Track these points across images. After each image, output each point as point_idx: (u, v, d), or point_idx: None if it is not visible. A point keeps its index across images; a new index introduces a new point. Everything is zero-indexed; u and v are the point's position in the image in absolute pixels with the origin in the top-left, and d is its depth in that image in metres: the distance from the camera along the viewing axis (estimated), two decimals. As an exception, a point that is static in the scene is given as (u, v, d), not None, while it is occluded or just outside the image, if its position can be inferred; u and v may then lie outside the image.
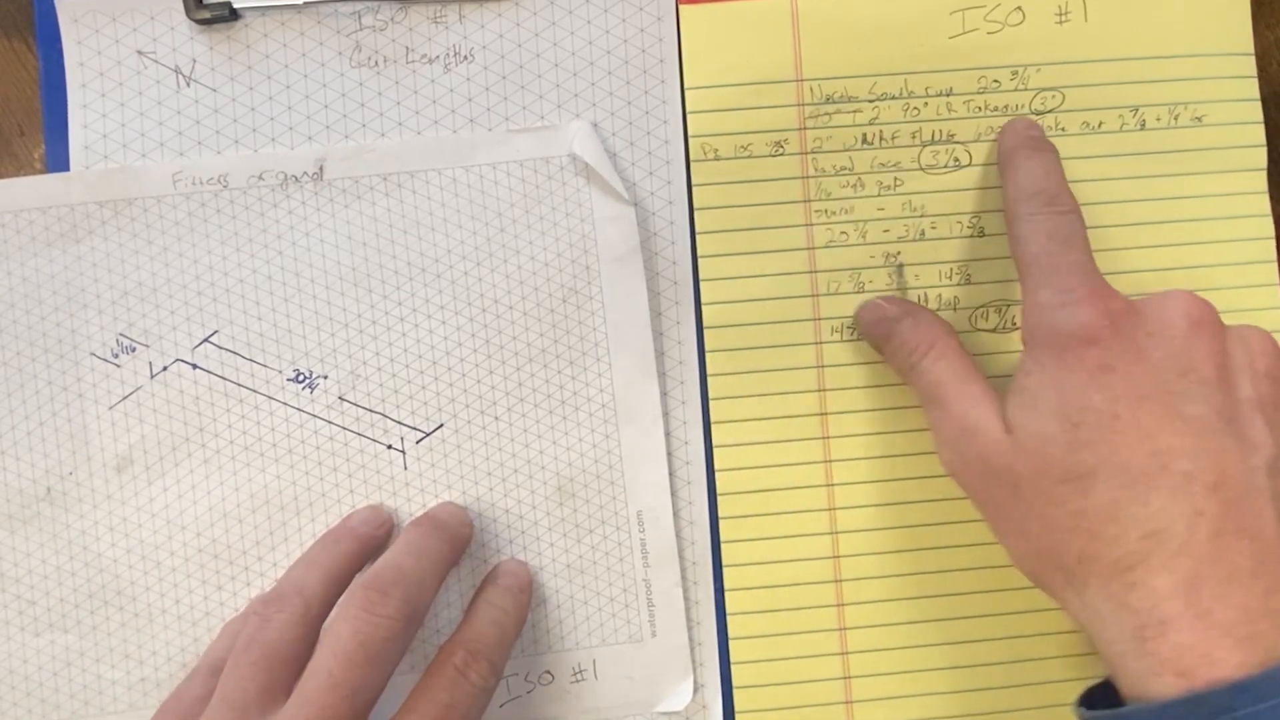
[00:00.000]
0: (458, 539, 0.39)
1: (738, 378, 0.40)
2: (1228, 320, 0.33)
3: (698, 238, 0.41)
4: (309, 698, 0.32)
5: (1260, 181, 0.41)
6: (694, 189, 0.40)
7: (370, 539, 0.39)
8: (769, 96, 0.40)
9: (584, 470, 0.40)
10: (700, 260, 0.41)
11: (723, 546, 0.40)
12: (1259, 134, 0.41)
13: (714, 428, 0.41)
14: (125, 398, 0.40)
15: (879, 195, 0.41)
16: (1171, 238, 0.41)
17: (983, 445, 0.34)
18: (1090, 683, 0.34)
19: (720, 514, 0.40)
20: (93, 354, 0.40)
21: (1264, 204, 0.41)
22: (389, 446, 0.40)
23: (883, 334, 0.39)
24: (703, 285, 0.41)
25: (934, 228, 0.41)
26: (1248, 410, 0.32)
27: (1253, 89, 0.41)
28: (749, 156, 0.40)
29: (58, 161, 0.40)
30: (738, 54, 0.40)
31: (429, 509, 0.40)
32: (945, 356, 0.37)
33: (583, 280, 0.40)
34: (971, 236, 0.41)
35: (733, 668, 0.40)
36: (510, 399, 0.40)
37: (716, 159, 0.40)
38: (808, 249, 0.41)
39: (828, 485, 0.40)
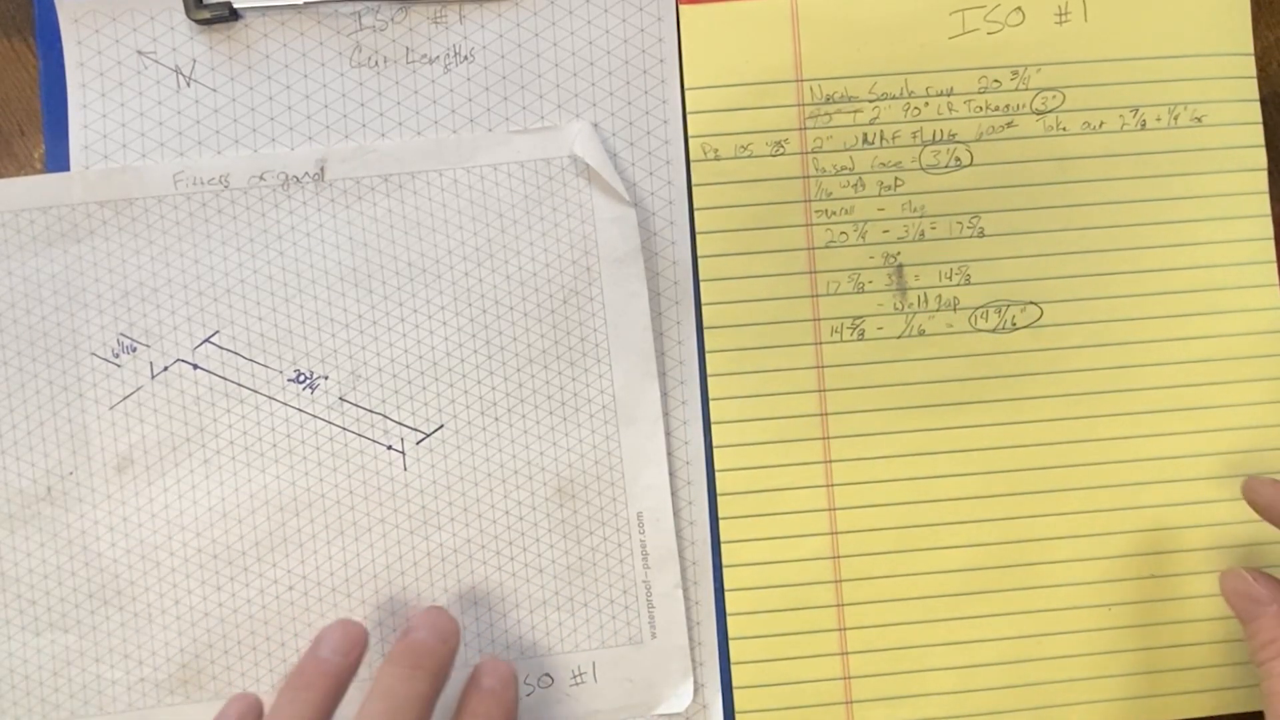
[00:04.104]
0: (440, 669, 0.36)
1: (738, 378, 0.40)
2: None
3: (698, 238, 0.41)
4: None
5: (1260, 181, 0.41)
6: (694, 189, 0.41)
7: (342, 671, 0.35)
8: (769, 96, 0.40)
9: (584, 471, 0.40)
10: (700, 260, 0.41)
11: (723, 547, 0.40)
12: (1259, 134, 0.41)
13: (714, 428, 0.41)
14: (126, 398, 0.40)
15: (879, 195, 0.41)
16: (1171, 238, 0.41)
17: None
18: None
19: (720, 514, 0.40)
20: (93, 354, 0.40)
21: (1264, 204, 0.41)
22: (389, 447, 0.40)
23: (1244, 613, 0.37)
24: (703, 285, 0.41)
25: (934, 228, 0.41)
26: None
27: (1253, 89, 0.41)
28: (749, 156, 0.40)
29: (58, 161, 0.40)
30: (738, 54, 0.40)
31: (408, 628, 0.37)
32: None
33: (583, 281, 0.40)
34: (971, 236, 0.41)
35: (733, 668, 0.40)
36: (510, 400, 0.40)
37: (716, 159, 0.40)
38: (807, 249, 0.41)
39: (828, 485, 0.40)
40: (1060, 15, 0.41)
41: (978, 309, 0.41)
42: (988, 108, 0.41)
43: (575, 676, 0.40)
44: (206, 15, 0.39)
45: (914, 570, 0.40)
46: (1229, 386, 0.41)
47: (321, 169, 0.40)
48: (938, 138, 0.41)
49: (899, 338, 0.41)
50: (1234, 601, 0.37)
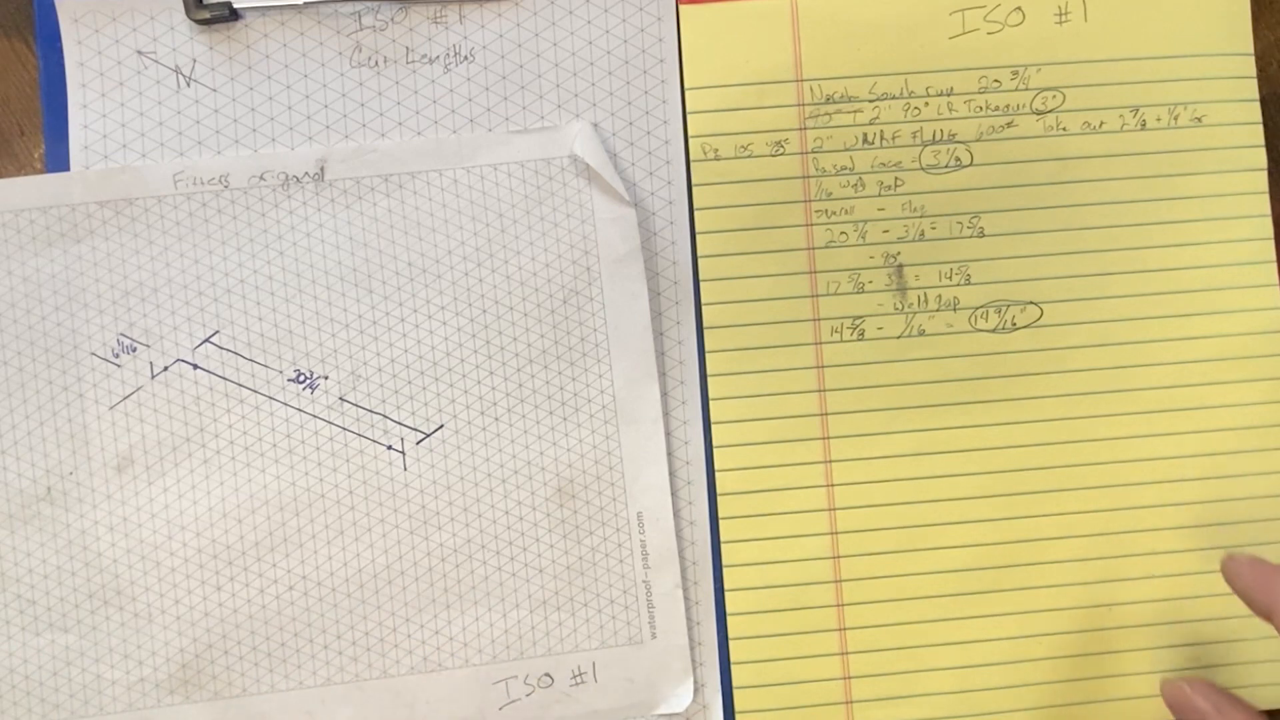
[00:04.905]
0: None
1: (738, 378, 0.40)
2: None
3: (698, 238, 0.41)
4: None
5: (1260, 181, 0.41)
6: (694, 189, 0.41)
7: None
8: (769, 96, 0.40)
9: (584, 471, 0.40)
10: (700, 260, 0.41)
11: (723, 547, 0.40)
12: (1259, 134, 0.41)
13: (714, 428, 0.41)
14: (126, 398, 0.40)
15: (879, 195, 0.41)
16: (1171, 238, 0.41)
17: None
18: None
19: (720, 514, 0.40)
20: (93, 354, 0.40)
21: (1264, 204, 0.41)
22: (389, 447, 0.40)
23: None
24: (703, 285, 0.41)
25: (934, 228, 0.41)
26: None
27: (1253, 89, 0.41)
28: (749, 156, 0.40)
29: (58, 161, 0.40)
30: (738, 54, 0.40)
31: None
32: None
33: (583, 281, 0.40)
34: (971, 236, 0.41)
35: (733, 668, 0.40)
36: (510, 400, 0.40)
37: (717, 159, 0.40)
38: (807, 249, 0.41)
39: (828, 485, 0.40)
40: (1060, 15, 0.41)
41: (978, 309, 0.41)
42: (988, 108, 0.41)
43: (575, 676, 0.40)
44: (206, 15, 0.39)
45: (914, 570, 0.40)
46: (1229, 386, 0.41)
47: (321, 169, 0.40)
48: (938, 138, 0.41)
49: (899, 338, 0.41)
50: (1174, 710, 0.36)
